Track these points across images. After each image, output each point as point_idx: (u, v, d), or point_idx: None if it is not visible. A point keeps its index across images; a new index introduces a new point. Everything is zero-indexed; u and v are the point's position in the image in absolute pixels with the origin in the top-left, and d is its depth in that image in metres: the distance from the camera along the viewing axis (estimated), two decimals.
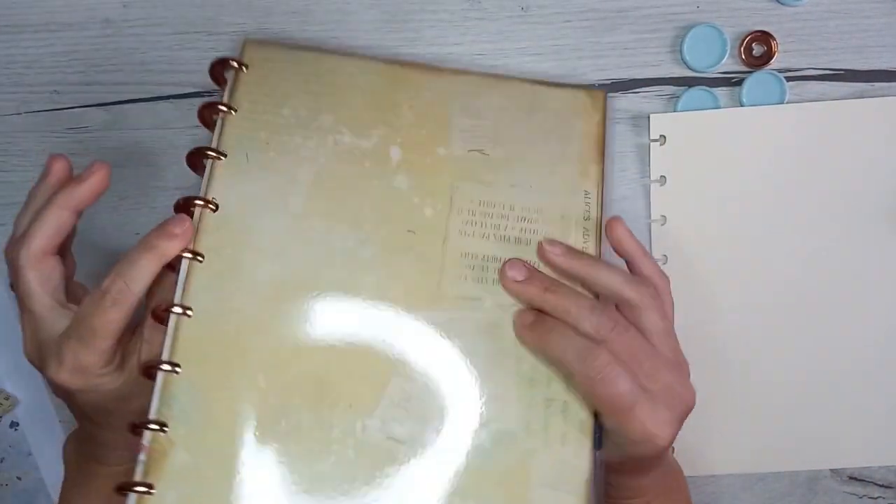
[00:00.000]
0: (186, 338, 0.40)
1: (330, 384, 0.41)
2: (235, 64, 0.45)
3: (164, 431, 0.39)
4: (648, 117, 0.50)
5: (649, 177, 0.51)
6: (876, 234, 0.51)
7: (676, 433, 0.41)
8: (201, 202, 0.42)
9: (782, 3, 0.50)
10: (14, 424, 0.53)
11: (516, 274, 0.43)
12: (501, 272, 0.43)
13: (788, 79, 0.50)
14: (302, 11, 0.50)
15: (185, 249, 0.41)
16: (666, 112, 0.51)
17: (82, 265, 0.44)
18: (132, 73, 0.51)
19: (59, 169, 0.42)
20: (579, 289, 0.43)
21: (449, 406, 0.41)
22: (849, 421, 0.52)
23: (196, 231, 0.42)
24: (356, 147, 0.44)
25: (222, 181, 0.43)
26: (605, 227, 0.45)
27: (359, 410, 0.41)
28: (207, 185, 0.43)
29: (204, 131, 0.46)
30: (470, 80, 0.47)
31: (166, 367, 0.40)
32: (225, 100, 0.44)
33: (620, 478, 0.46)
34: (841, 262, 0.51)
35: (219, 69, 0.45)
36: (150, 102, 0.51)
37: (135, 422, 0.39)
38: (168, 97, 0.51)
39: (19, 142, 0.52)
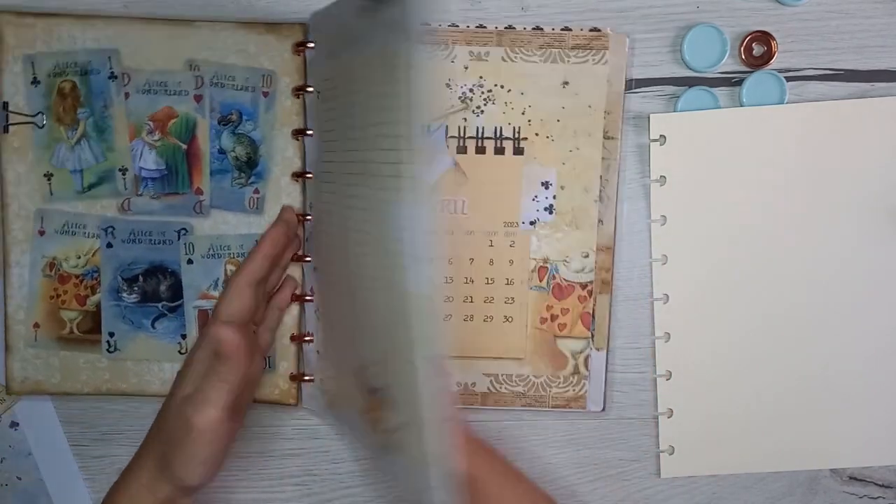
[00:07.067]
0: None
1: None
2: None
3: None
4: (648, 117, 0.50)
5: (649, 177, 0.51)
6: (876, 233, 0.51)
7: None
8: None
9: (782, 3, 0.50)
10: (14, 424, 0.53)
11: None
12: None
13: (788, 79, 0.50)
14: (302, 12, 0.50)
15: None
16: (666, 112, 0.51)
17: None
18: None
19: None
20: None
21: None
22: (849, 421, 0.52)
23: None
24: None
25: None
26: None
27: None
28: None
29: None
30: None
31: None
32: None
33: None
34: (841, 261, 0.51)
35: None
36: None
37: None
38: None
39: None
